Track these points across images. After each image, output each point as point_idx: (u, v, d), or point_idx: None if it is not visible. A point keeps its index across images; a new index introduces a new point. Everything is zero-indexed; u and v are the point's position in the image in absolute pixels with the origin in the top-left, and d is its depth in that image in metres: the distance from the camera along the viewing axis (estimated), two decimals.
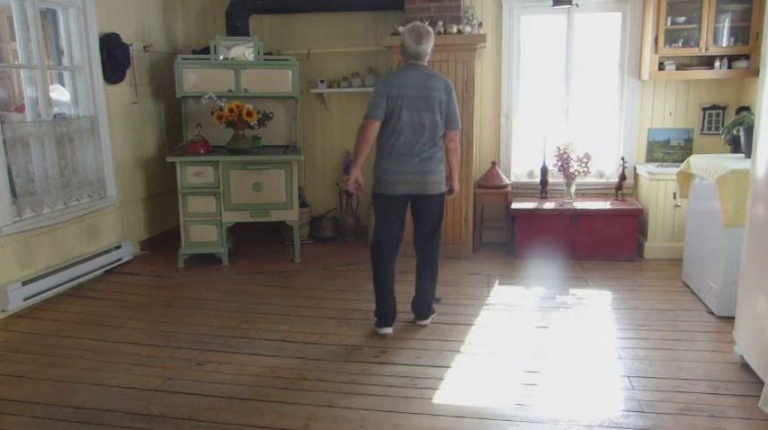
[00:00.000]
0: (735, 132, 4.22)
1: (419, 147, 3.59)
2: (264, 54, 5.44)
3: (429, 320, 3.90)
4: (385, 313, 3.76)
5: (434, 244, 3.86)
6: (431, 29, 3.67)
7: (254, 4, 5.67)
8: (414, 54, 3.61)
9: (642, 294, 4.39)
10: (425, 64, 3.67)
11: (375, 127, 3.58)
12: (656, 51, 5.06)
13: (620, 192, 5.37)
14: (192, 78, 5.28)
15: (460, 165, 5.13)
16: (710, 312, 3.99)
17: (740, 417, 2.77)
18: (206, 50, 5.43)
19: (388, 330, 3.75)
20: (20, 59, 4.36)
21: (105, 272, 4.94)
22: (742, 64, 4.99)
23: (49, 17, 4.69)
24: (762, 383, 2.88)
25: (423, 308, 3.89)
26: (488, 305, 4.23)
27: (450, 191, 3.81)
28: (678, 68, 5.16)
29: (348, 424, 2.77)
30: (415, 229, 3.84)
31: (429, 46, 3.63)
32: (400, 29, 5.12)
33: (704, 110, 5.41)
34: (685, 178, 4.47)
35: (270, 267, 5.16)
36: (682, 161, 4.67)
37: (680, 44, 5.10)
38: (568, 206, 5.25)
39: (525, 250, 5.28)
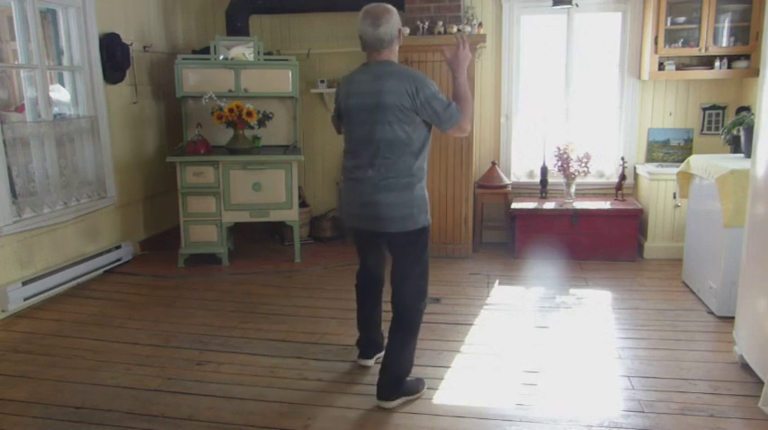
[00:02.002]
0: (735, 132, 4.22)
1: (372, 172, 2.79)
2: (264, 54, 5.44)
3: (394, 403, 2.88)
4: (363, 345, 3.33)
5: (398, 319, 2.90)
6: (391, 7, 2.83)
7: (254, 4, 5.67)
8: (375, 42, 2.80)
9: (642, 294, 4.39)
10: (391, 57, 2.88)
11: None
12: (655, 51, 5.06)
13: (620, 192, 5.37)
14: (192, 78, 5.28)
15: (465, 163, 5.17)
16: (710, 312, 3.99)
17: (740, 417, 2.77)
18: (206, 50, 5.43)
19: (367, 362, 3.30)
20: (20, 59, 4.36)
21: (105, 272, 4.94)
22: (742, 64, 4.99)
23: (49, 17, 4.69)
24: (762, 383, 2.88)
25: (384, 383, 2.89)
26: (488, 305, 4.23)
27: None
28: (678, 68, 5.16)
29: (348, 424, 2.77)
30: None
31: (392, 27, 2.80)
32: (400, 29, 5.13)
33: (704, 110, 5.41)
34: (685, 178, 4.47)
35: (270, 267, 5.16)
36: (682, 161, 4.67)
37: (680, 44, 5.10)
38: (568, 206, 5.25)
39: (525, 250, 5.28)
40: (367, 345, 3.33)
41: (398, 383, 2.90)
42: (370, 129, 2.79)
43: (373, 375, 3.21)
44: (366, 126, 2.80)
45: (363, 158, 2.83)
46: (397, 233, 2.83)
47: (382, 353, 3.07)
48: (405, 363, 2.93)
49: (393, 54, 2.90)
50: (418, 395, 2.97)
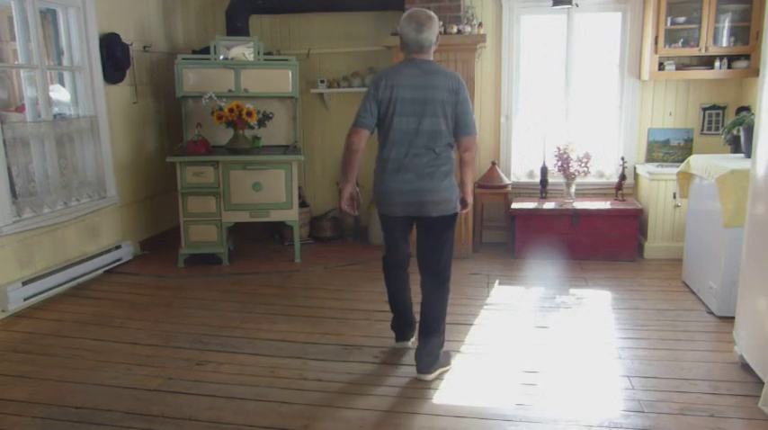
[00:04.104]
0: (735, 132, 4.22)
1: (417, 161, 3.01)
2: (264, 54, 5.44)
3: (433, 375, 3.14)
4: (398, 326, 3.48)
5: (440, 279, 3.19)
6: (433, 13, 3.05)
7: (254, 4, 5.67)
8: (415, 45, 3.02)
9: (642, 294, 4.39)
10: (429, 58, 3.08)
11: (361, 136, 3.06)
12: (655, 51, 5.05)
13: (620, 192, 5.37)
14: (192, 78, 5.28)
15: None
16: (710, 312, 3.99)
17: (740, 417, 2.77)
18: (206, 50, 5.43)
19: (405, 343, 3.48)
20: (20, 59, 4.36)
21: (105, 272, 4.94)
22: (742, 64, 4.99)
23: (49, 17, 4.69)
24: (762, 383, 2.88)
25: (423, 359, 3.14)
26: (488, 305, 4.23)
27: (464, 204, 3.24)
28: (678, 68, 5.16)
29: (348, 424, 2.77)
30: (417, 254, 3.24)
31: (433, 34, 3.02)
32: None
33: (704, 110, 5.41)
34: (685, 178, 4.46)
35: (270, 267, 5.15)
36: (682, 161, 4.66)
37: (680, 44, 5.10)
38: (568, 206, 5.25)
39: (525, 250, 5.28)
40: (401, 327, 3.47)
41: (437, 353, 3.17)
42: (417, 120, 3.00)
43: (373, 375, 3.22)
44: (414, 117, 3.00)
45: (410, 148, 3.02)
46: (442, 217, 3.08)
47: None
48: (443, 326, 3.21)
49: (431, 55, 3.11)
50: (450, 367, 3.23)
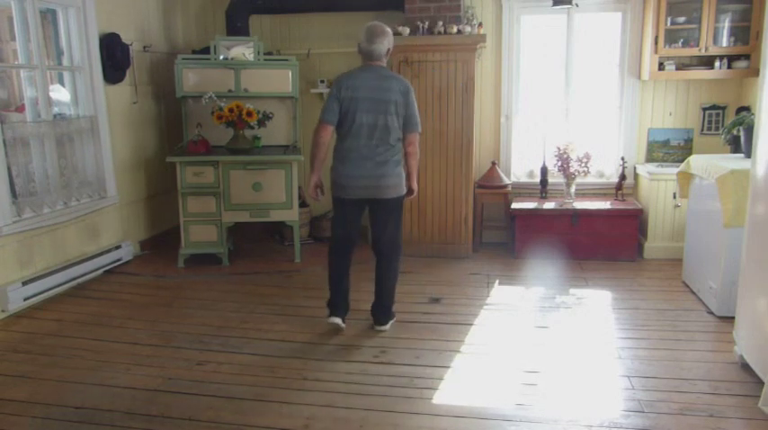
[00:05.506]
0: (735, 132, 4.22)
1: (374, 151, 3.55)
2: (264, 54, 5.44)
3: (387, 326, 3.82)
4: (334, 302, 3.79)
5: (393, 248, 3.78)
6: (388, 29, 3.59)
7: (254, 4, 5.67)
8: (366, 53, 3.57)
9: (642, 294, 4.39)
10: (383, 64, 3.62)
11: (327, 131, 3.57)
12: (655, 51, 5.05)
13: (620, 192, 5.37)
14: (192, 78, 5.28)
15: (465, 163, 5.20)
16: (710, 312, 3.99)
17: (740, 417, 2.77)
18: (206, 50, 5.43)
19: (336, 320, 3.74)
20: (20, 59, 4.36)
21: (105, 272, 4.94)
22: (742, 64, 4.99)
23: (49, 17, 4.69)
24: (762, 383, 2.88)
25: (379, 313, 3.81)
26: (488, 305, 4.23)
27: (410, 192, 3.75)
28: (678, 68, 5.16)
29: (348, 424, 2.77)
30: (372, 233, 3.80)
31: (383, 46, 3.55)
32: (400, 29, 5.14)
33: (704, 110, 5.41)
34: (685, 178, 4.47)
35: (270, 267, 5.15)
36: (682, 161, 4.67)
37: (680, 44, 5.10)
38: (568, 206, 5.25)
39: (525, 250, 5.28)
40: (336, 303, 3.80)
41: (389, 310, 3.84)
42: (374, 117, 3.50)
43: (373, 375, 3.23)
44: (370, 115, 3.50)
45: (369, 140, 3.54)
46: (393, 198, 3.65)
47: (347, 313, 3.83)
48: (392, 297, 3.84)
49: (384, 62, 3.65)
50: (396, 318, 3.89)
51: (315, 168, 3.69)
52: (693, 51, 5.03)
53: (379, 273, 3.80)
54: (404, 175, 3.69)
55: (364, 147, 3.54)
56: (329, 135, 3.60)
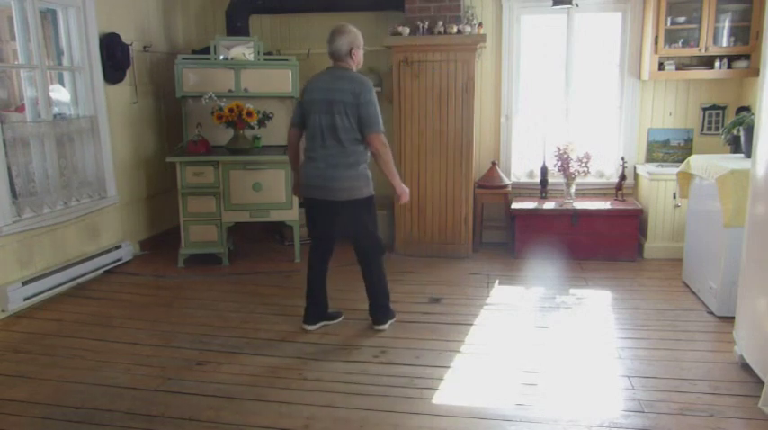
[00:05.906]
0: (735, 132, 4.22)
1: (325, 152, 3.55)
2: (264, 54, 5.44)
3: (387, 325, 3.82)
4: (308, 309, 3.84)
5: (370, 250, 3.74)
6: (351, 28, 3.64)
7: (254, 4, 5.67)
8: (329, 54, 3.67)
9: (642, 294, 4.39)
10: (345, 65, 3.64)
11: (292, 133, 3.74)
12: (655, 51, 5.05)
13: (620, 192, 5.37)
14: (192, 78, 5.27)
15: (465, 163, 5.20)
16: (710, 312, 3.99)
17: (740, 417, 2.77)
18: (206, 50, 5.43)
19: (309, 327, 3.81)
20: (20, 59, 4.36)
21: (105, 272, 4.94)
22: (742, 64, 4.99)
23: (49, 17, 4.69)
24: (762, 383, 2.88)
25: (376, 312, 3.84)
26: (488, 305, 4.23)
27: (398, 198, 3.72)
28: (678, 68, 5.16)
29: (348, 424, 2.77)
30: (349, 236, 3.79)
31: (343, 45, 3.58)
32: (400, 29, 5.14)
33: (704, 110, 5.41)
34: (685, 178, 4.46)
35: (270, 267, 5.16)
36: (682, 161, 4.66)
37: (680, 44, 5.10)
38: (568, 206, 5.25)
39: (525, 250, 5.28)
40: (314, 312, 3.83)
41: (386, 309, 3.84)
42: (325, 118, 3.52)
43: (373, 375, 3.23)
44: (324, 115, 3.52)
45: (319, 141, 3.56)
46: (346, 201, 3.57)
47: (323, 322, 3.86)
48: (385, 291, 3.83)
49: (352, 63, 3.67)
50: (396, 317, 3.89)
51: (293, 167, 3.89)
52: (693, 51, 5.03)
53: (363, 274, 3.83)
54: (367, 177, 3.62)
55: (320, 147, 3.57)
56: (295, 137, 3.75)
